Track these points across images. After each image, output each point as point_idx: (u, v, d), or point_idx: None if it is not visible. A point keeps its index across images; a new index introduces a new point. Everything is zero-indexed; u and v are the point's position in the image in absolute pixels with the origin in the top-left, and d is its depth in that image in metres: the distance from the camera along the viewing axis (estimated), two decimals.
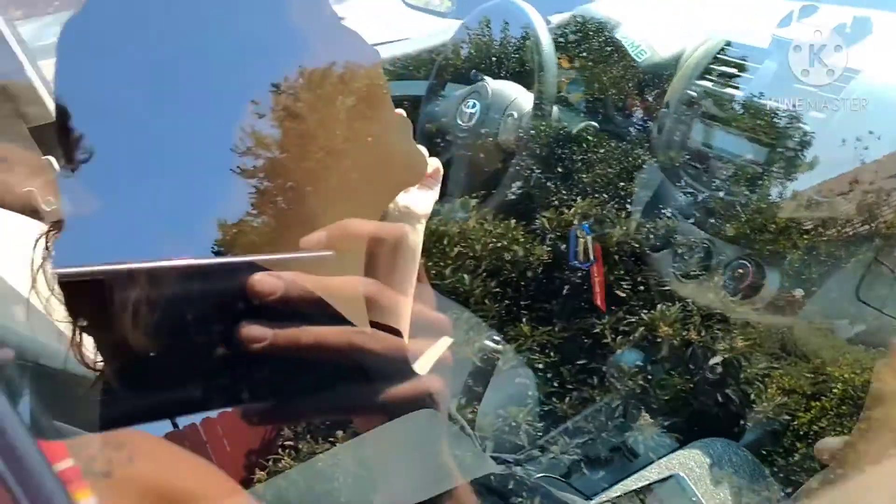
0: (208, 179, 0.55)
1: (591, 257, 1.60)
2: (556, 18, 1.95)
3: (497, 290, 1.58)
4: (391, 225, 0.46)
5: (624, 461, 1.46)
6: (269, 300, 0.38)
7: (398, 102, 1.73)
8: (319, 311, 0.40)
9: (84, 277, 0.37)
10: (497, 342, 1.49)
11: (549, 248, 1.61)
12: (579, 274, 1.61)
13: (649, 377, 1.48)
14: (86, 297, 0.36)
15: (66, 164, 0.49)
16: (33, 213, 0.52)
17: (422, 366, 0.53)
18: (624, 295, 1.58)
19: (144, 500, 0.58)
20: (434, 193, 0.52)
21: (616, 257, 1.61)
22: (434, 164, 0.50)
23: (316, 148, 0.59)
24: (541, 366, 1.53)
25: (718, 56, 1.57)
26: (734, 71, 1.53)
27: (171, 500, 0.60)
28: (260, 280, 0.38)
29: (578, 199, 1.64)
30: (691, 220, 1.56)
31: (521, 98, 1.71)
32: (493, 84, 1.77)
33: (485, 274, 1.58)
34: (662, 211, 1.61)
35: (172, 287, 0.38)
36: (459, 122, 1.78)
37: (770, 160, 1.43)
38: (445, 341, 0.51)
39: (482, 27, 1.88)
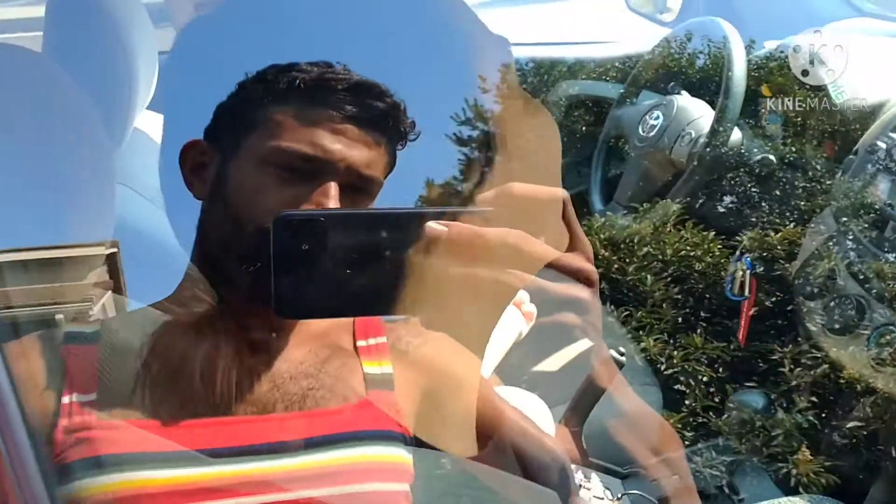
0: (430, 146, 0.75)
1: (746, 292, 1.58)
2: (770, 44, 1.91)
3: (678, 296, 1.58)
4: (546, 188, 0.55)
5: (726, 500, 1.44)
6: (437, 243, 0.51)
7: (594, 103, 1.78)
8: (474, 252, 0.52)
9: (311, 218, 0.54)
10: (622, 354, 1.52)
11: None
12: (773, 299, 1.58)
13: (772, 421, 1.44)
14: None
15: (399, 141, 0.71)
16: (360, 176, 0.68)
17: (554, 363, 0.64)
18: (815, 329, 1.52)
19: (424, 374, 0.79)
20: (524, 329, 0.60)
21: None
22: (532, 309, 0.57)
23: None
24: (705, 379, 1.51)
25: None
26: None
27: (443, 377, 0.79)
28: (431, 226, 0.51)
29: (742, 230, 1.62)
30: (852, 275, 1.49)
31: (704, 118, 1.71)
32: (680, 100, 1.77)
33: (669, 279, 1.59)
34: (827, 259, 1.56)
35: (373, 228, 0.53)
36: (641, 132, 1.80)
37: None
38: (585, 343, 0.61)
39: (685, 41, 1.87)
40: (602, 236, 1.61)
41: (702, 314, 1.60)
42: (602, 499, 1.37)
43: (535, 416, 1.08)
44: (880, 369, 1.38)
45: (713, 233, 1.64)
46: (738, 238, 1.63)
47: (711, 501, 1.42)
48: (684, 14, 2.24)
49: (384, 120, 0.68)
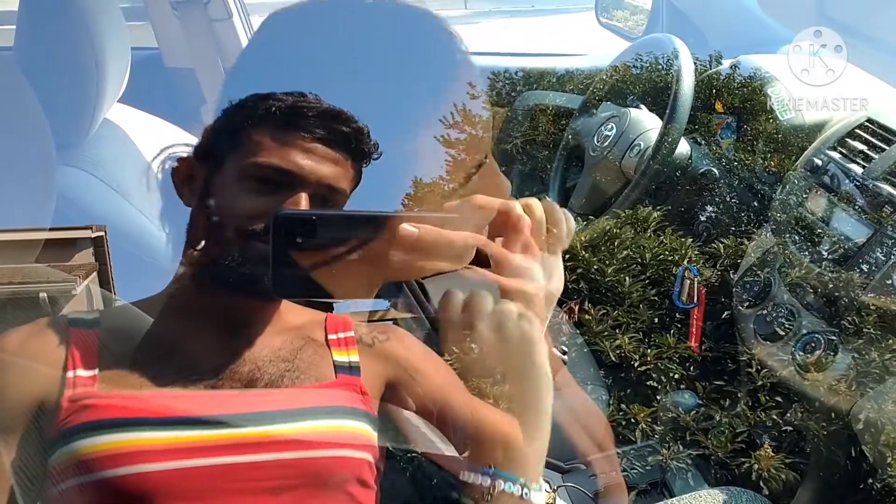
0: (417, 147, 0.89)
1: (695, 300, 1.63)
2: (726, 62, 1.97)
3: (655, 298, 1.64)
4: (502, 200, 0.69)
5: (657, 497, 1.49)
6: (409, 241, 0.64)
7: (559, 113, 1.84)
8: (439, 250, 0.65)
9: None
10: (564, 353, 1.57)
11: (719, 273, 1.66)
12: (745, 305, 1.62)
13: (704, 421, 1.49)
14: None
15: (364, 160, 0.83)
16: (327, 188, 0.80)
17: None
18: (783, 333, 1.56)
19: (388, 365, 0.90)
20: None
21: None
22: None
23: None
24: (676, 376, 1.56)
25: (856, 130, 1.54)
26: (863, 148, 1.50)
27: (405, 369, 0.91)
28: (405, 227, 0.65)
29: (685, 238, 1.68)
30: (787, 285, 1.55)
31: (654, 130, 1.76)
32: (634, 112, 1.83)
33: (647, 281, 1.64)
34: (766, 270, 1.61)
35: (355, 227, 0.67)
36: (596, 142, 1.86)
37: (871, 243, 1.40)
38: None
39: (642, 56, 1.94)
40: (583, 238, 1.67)
41: (676, 315, 1.65)
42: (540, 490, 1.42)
43: None
44: (805, 376, 1.44)
45: (691, 239, 1.70)
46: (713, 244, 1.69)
47: (640, 496, 1.48)
48: (651, 30, 2.31)
49: (349, 141, 0.81)
